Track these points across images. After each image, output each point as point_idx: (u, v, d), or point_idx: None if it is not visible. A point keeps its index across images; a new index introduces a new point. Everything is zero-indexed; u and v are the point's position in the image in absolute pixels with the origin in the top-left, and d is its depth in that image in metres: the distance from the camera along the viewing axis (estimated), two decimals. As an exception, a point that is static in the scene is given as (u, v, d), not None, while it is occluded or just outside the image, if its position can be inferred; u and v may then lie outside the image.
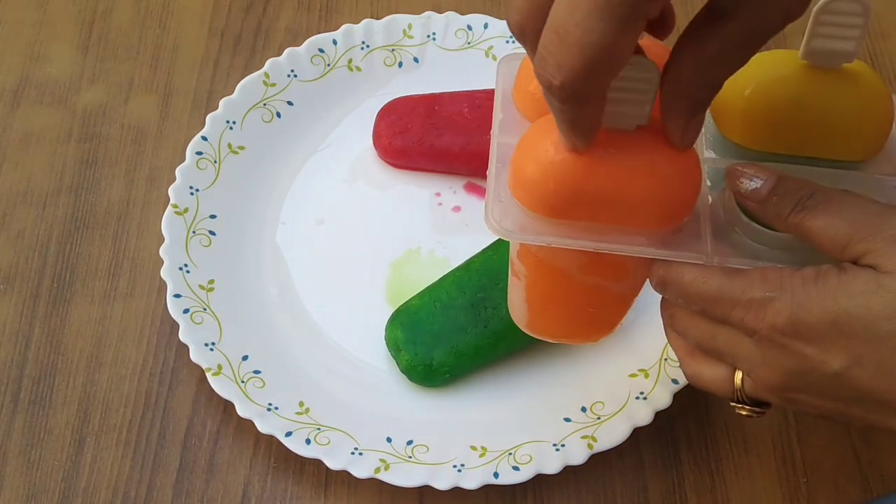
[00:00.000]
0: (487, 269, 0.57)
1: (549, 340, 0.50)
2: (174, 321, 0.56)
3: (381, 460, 0.52)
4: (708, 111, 0.41)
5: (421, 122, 0.63)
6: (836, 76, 0.40)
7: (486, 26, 0.68)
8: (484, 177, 0.64)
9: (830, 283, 0.37)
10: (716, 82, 0.37)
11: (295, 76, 0.65)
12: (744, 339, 0.40)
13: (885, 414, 0.38)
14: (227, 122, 0.63)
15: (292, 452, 0.52)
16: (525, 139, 0.40)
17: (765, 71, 0.41)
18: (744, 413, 0.43)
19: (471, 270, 0.57)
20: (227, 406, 0.54)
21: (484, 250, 0.58)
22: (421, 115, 0.63)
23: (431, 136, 0.63)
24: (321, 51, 0.66)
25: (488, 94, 0.63)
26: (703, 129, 0.42)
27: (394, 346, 0.56)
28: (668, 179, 0.38)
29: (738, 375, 0.42)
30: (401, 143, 0.63)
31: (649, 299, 0.56)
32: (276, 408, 0.54)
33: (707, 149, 0.43)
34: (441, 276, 0.58)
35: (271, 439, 0.53)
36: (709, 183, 0.42)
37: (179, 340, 0.55)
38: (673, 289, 0.41)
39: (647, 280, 0.43)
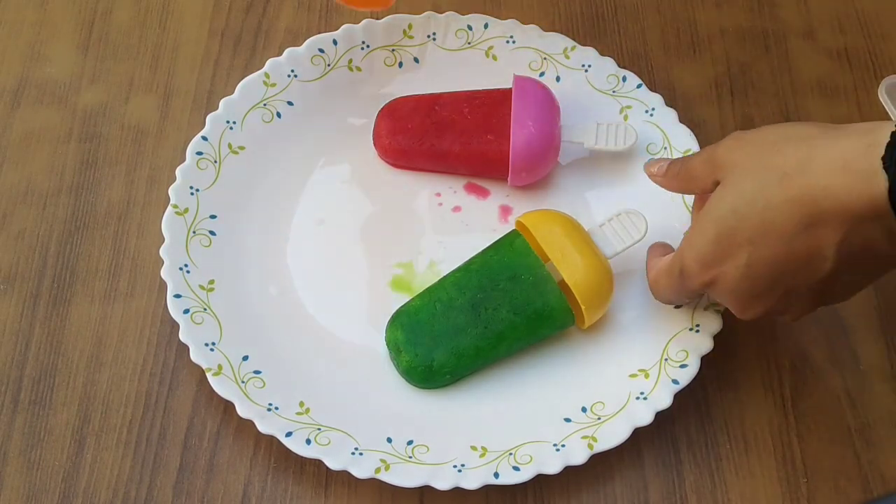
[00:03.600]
0: (487, 269, 0.57)
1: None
2: (174, 321, 0.56)
3: (382, 460, 0.52)
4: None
5: (421, 123, 0.63)
6: None
7: (486, 26, 0.68)
8: (484, 177, 0.64)
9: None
10: None
11: (295, 76, 0.65)
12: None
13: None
14: (228, 122, 0.63)
15: (292, 452, 0.52)
16: None
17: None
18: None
19: (470, 271, 0.57)
20: (228, 406, 0.54)
21: (484, 251, 0.58)
22: (421, 115, 0.63)
23: (432, 137, 0.63)
24: (321, 51, 0.66)
25: (489, 95, 0.63)
26: None
27: (394, 347, 0.56)
28: None
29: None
30: (401, 144, 0.63)
31: (649, 300, 0.57)
32: (277, 408, 0.54)
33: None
34: (441, 276, 0.58)
35: (271, 439, 0.53)
36: None
37: (179, 340, 0.55)
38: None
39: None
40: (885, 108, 0.58)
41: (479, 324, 0.56)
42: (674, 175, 0.54)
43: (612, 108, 0.65)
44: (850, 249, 0.45)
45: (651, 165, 0.56)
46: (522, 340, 0.56)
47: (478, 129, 0.62)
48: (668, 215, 0.61)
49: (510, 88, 0.62)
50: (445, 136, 0.62)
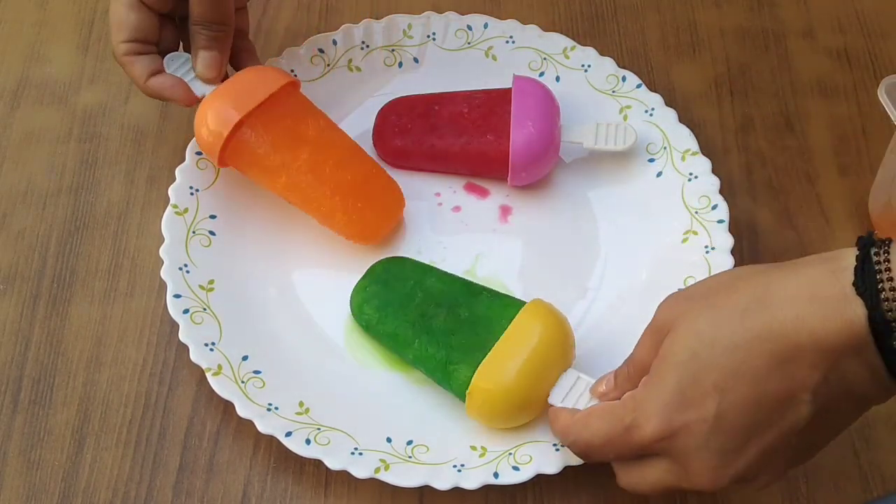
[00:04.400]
0: (473, 298, 0.55)
1: None
2: (174, 321, 0.56)
3: (381, 460, 0.52)
4: None
5: (421, 123, 0.63)
6: None
7: (485, 26, 0.68)
8: (483, 177, 0.64)
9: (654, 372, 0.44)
10: None
11: (295, 76, 0.65)
12: (658, 461, 0.45)
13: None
14: (228, 122, 0.63)
15: (292, 452, 0.52)
16: None
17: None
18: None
19: (467, 286, 0.56)
20: (227, 406, 0.54)
21: (491, 291, 0.56)
22: (421, 115, 0.63)
23: (431, 137, 0.63)
24: (321, 51, 0.66)
25: (488, 95, 0.63)
26: None
27: (369, 275, 0.57)
28: None
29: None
30: (401, 144, 0.63)
31: (649, 304, 0.56)
32: (276, 408, 0.54)
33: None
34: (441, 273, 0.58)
35: (271, 439, 0.53)
36: None
37: (179, 340, 0.55)
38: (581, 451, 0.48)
39: None
40: (885, 108, 0.58)
41: (424, 327, 0.55)
42: (624, 377, 0.48)
43: (612, 107, 0.65)
44: (829, 391, 0.40)
45: (598, 385, 0.50)
46: (433, 373, 0.54)
47: (477, 130, 0.62)
48: (669, 215, 0.61)
49: (510, 88, 0.62)
50: (445, 137, 0.62)
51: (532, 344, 0.51)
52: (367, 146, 0.64)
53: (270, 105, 0.58)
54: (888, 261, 0.39)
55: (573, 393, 0.51)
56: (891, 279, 0.39)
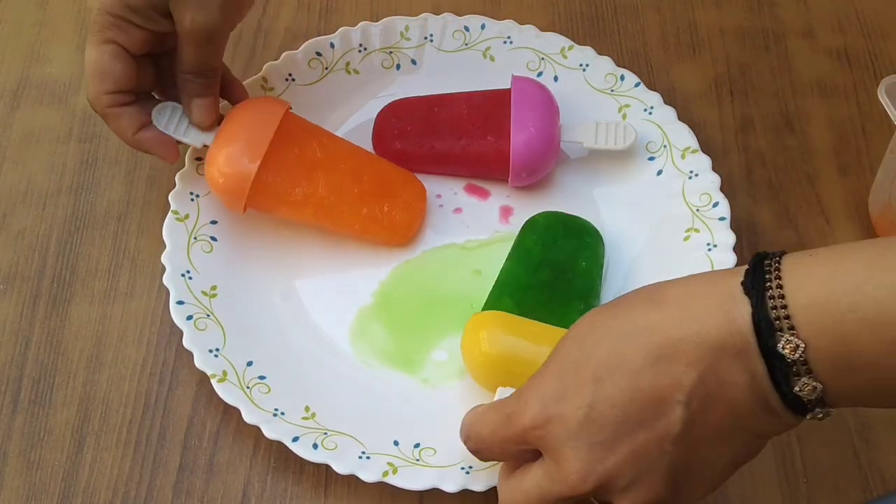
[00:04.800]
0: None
1: None
2: (174, 321, 0.56)
3: (389, 464, 0.52)
4: None
5: (420, 124, 0.63)
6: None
7: (483, 27, 0.68)
8: (484, 178, 0.64)
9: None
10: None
11: (293, 80, 0.65)
12: (535, 469, 0.43)
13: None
14: (227, 123, 0.63)
15: (292, 453, 0.52)
16: None
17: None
18: None
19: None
20: (228, 406, 0.54)
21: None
22: (420, 117, 0.63)
23: (431, 138, 0.63)
24: (318, 54, 0.66)
25: (487, 96, 0.63)
26: None
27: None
28: None
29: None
30: (401, 146, 0.63)
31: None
32: (283, 413, 0.53)
33: None
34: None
35: (271, 440, 0.53)
36: None
37: (179, 340, 0.55)
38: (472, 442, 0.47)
39: None
40: (885, 108, 0.58)
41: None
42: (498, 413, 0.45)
43: (611, 106, 0.65)
44: (704, 394, 0.39)
45: (467, 442, 0.47)
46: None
47: (477, 131, 0.62)
48: (670, 213, 0.61)
49: (509, 89, 0.62)
50: (445, 138, 0.62)
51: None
52: (367, 149, 0.64)
53: (276, 141, 0.57)
54: (779, 265, 0.39)
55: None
56: (779, 278, 0.39)
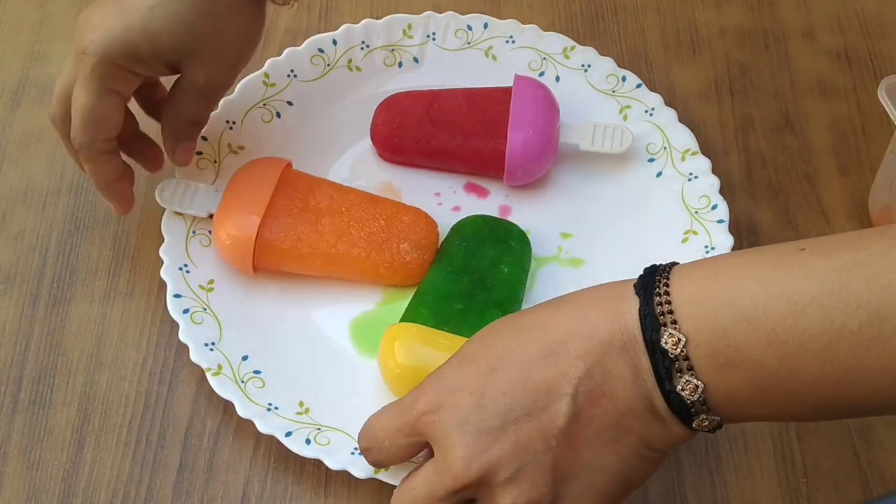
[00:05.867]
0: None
1: None
2: (174, 321, 0.56)
3: (381, 460, 0.52)
4: None
5: (419, 119, 0.63)
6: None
7: (485, 26, 0.68)
8: (481, 175, 0.64)
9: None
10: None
11: (295, 76, 0.65)
12: (424, 468, 0.44)
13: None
14: (227, 121, 0.63)
15: (292, 452, 0.52)
16: None
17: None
18: None
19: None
20: (227, 406, 0.54)
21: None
22: (419, 111, 0.63)
23: (428, 133, 0.63)
24: (321, 51, 0.66)
25: (488, 93, 0.63)
26: None
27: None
28: None
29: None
30: (398, 139, 0.63)
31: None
32: (276, 408, 0.54)
33: None
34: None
35: (271, 439, 0.53)
36: None
37: (179, 340, 0.55)
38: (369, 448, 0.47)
39: None
40: (885, 108, 0.58)
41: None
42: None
43: (612, 107, 0.65)
44: (591, 388, 0.41)
45: (360, 440, 0.48)
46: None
47: (475, 128, 0.62)
48: (668, 215, 0.61)
49: (510, 87, 0.62)
50: (442, 134, 0.62)
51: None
52: (368, 146, 0.64)
53: (277, 199, 0.57)
54: (668, 272, 0.42)
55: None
56: (667, 281, 0.41)
